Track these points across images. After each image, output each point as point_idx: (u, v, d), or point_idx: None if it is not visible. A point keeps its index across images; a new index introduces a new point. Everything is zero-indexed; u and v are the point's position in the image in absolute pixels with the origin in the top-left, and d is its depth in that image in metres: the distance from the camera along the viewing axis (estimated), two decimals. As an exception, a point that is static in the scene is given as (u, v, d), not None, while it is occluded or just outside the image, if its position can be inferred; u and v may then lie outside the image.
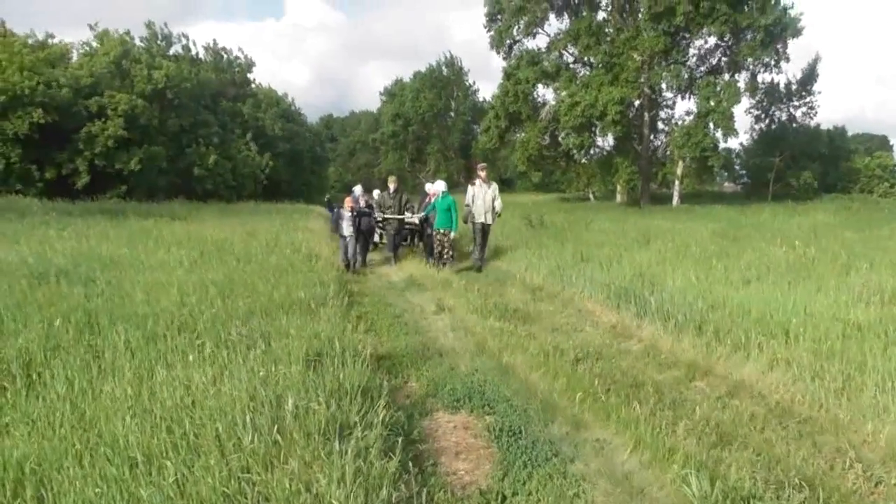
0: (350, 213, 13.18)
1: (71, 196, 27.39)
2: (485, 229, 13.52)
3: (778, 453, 4.54)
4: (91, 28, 36.64)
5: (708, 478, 3.85)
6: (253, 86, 50.41)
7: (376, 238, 16.13)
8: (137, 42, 38.38)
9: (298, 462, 3.65)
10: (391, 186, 14.56)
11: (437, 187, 13.73)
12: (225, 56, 48.77)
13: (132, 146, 32.17)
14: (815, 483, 4.03)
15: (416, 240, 16.13)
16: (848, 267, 10.64)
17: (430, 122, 66.06)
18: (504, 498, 3.97)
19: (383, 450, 4.00)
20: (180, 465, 3.54)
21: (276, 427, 3.94)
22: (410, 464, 4.06)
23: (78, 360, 5.19)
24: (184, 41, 42.71)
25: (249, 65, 50.06)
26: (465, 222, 13.58)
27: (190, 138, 37.04)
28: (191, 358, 5.23)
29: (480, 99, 68.04)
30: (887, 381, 5.23)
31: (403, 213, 14.58)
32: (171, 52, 40.87)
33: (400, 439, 4.27)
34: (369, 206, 14.13)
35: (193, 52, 43.93)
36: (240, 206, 29.87)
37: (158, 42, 40.10)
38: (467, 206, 13.40)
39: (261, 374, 4.87)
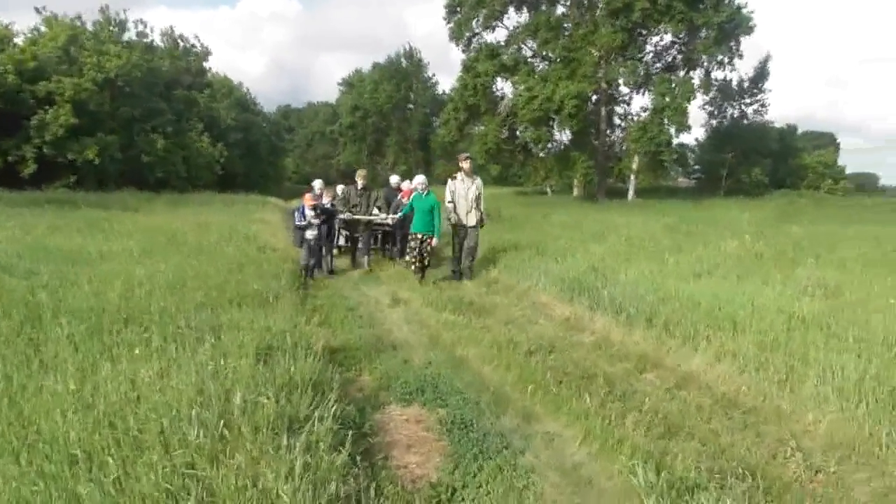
0: (314, 213, 11.13)
1: (16, 185, 26.48)
2: (467, 233, 11.32)
3: (723, 443, 4.65)
4: (38, 11, 35.45)
5: (654, 468, 3.91)
6: (209, 75, 49.48)
7: (340, 241, 13.75)
8: (89, 27, 37.26)
9: (246, 457, 3.59)
10: (359, 182, 12.67)
11: (416, 182, 11.51)
12: (182, 44, 47.75)
13: (82, 135, 31.22)
14: (758, 472, 4.13)
15: (389, 244, 13.92)
16: (794, 261, 10.92)
17: (389, 114, 65.71)
18: (454, 490, 3.98)
19: (333, 444, 3.96)
20: (122, 462, 3.46)
21: (222, 422, 3.87)
22: (360, 457, 4.05)
23: (17, 355, 5.03)
24: (140, 27, 41.65)
25: (206, 53, 49.09)
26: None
27: (142, 127, 36.16)
28: (137, 352, 5.11)
29: (440, 91, 67.94)
30: (828, 373, 5.38)
31: (372, 213, 12.68)
32: (126, 38, 39.77)
33: (350, 433, 4.24)
34: (332, 204, 12.48)
35: (149, 39, 42.90)
36: (193, 197, 29.27)
37: (111, 28, 38.97)
38: (450, 203, 11.31)
39: (209, 367, 4.78)
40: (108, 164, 32.63)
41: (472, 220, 11.28)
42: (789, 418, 5.05)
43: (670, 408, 5.28)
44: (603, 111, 36.46)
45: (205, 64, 49.29)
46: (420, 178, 11.46)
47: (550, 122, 35.20)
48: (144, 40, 41.37)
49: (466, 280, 11.09)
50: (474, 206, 11.26)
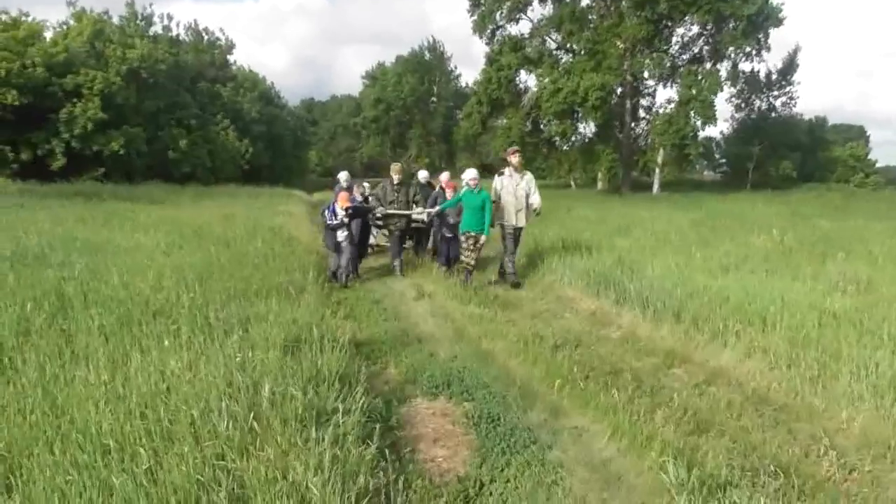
0: (345, 212, 10.01)
1: (46, 178, 26.89)
2: (516, 234, 10.26)
3: (754, 440, 4.58)
4: (69, 5, 35.96)
5: (685, 465, 3.86)
6: (233, 68, 49.83)
7: (372, 240, 12.96)
8: (115, 21, 37.74)
9: (275, 449, 3.61)
10: (394, 177, 11.41)
11: (467, 176, 10.39)
12: (206, 37, 48.13)
13: (109, 127, 31.61)
14: (790, 470, 4.07)
15: (423, 241, 12.64)
16: (824, 256, 10.74)
17: (412, 107, 65.80)
18: (482, 485, 3.96)
19: (361, 437, 3.97)
20: (153, 453, 3.49)
21: (252, 414, 3.89)
22: (388, 451, 4.04)
23: (50, 345, 5.10)
24: (166, 21, 42.08)
25: (230, 46, 49.48)
26: (492, 225, 10.28)
27: (167, 120, 36.52)
28: (166, 343, 5.15)
29: (463, 84, 67.81)
30: (861, 370, 5.28)
31: (411, 209, 11.51)
32: (151, 31, 40.18)
33: (378, 426, 4.26)
34: (366, 199, 11.73)
35: (175, 33, 43.28)
36: (219, 190, 29.54)
37: (137, 21, 39.41)
38: (494, 202, 10.16)
39: (238, 359, 4.81)
40: (135, 157, 33.01)
41: (521, 220, 10.19)
42: (822, 416, 4.96)
43: (700, 404, 5.23)
44: (628, 104, 36.17)
45: (229, 57, 49.70)
46: (471, 173, 10.32)
47: (574, 115, 34.99)
48: (170, 34, 41.78)
49: (510, 281, 10.18)
50: (524, 204, 10.18)
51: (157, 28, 41.20)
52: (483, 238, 9.97)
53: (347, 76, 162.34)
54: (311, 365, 4.89)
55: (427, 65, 66.63)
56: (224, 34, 49.95)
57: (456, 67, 69.43)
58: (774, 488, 3.82)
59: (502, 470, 4.11)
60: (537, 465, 4.17)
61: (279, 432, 3.77)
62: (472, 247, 9.97)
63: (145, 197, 22.34)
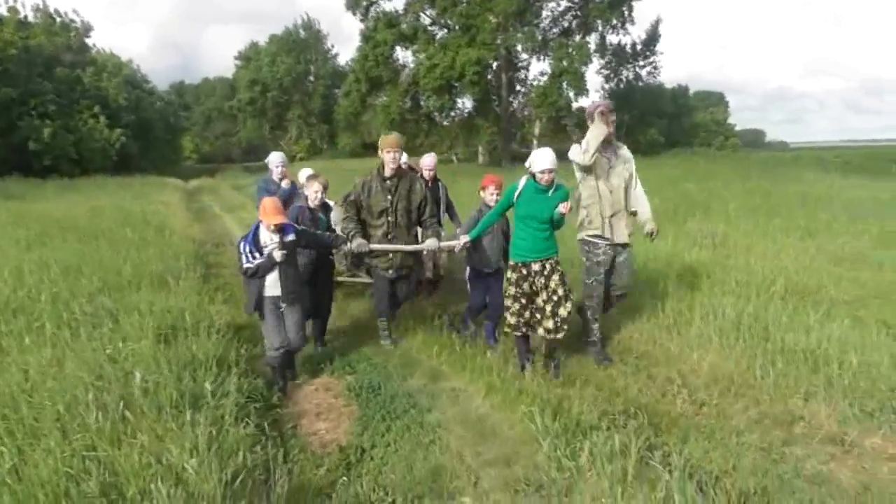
0: (280, 242, 4.96)
1: None
2: (614, 260, 5.60)
3: (617, 387, 4.95)
4: None
5: (551, 414, 4.13)
6: (93, 52, 46.75)
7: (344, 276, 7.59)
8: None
9: (149, 435, 3.59)
10: (389, 163, 5.80)
11: (540, 161, 4.96)
12: (58, 19, 44.85)
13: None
14: (649, 410, 4.43)
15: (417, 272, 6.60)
16: (686, 216, 11.53)
17: (290, 88, 64.09)
18: (363, 451, 4.08)
19: (239, 417, 3.99)
20: (17, 451, 3.38)
21: (123, 403, 3.83)
22: (269, 428, 4.11)
23: None
24: (10, 2, 38.81)
25: (87, 28, 46.33)
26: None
27: (23, 110, 33.91)
28: (27, 341, 4.94)
29: (342, 63, 66.65)
30: (710, 315, 5.80)
31: (427, 232, 6.02)
32: (-7, 14, 36.99)
33: (257, 405, 4.30)
34: (324, 209, 6.19)
35: (21, 15, 40.02)
36: (86, 182, 27.78)
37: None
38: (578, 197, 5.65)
39: (108, 351, 4.69)
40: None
41: (622, 231, 5.55)
42: (677, 359, 5.41)
43: (569, 360, 5.54)
44: (504, 78, 36.86)
45: (87, 40, 46.55)
46: (546, 156, 4.98)
47: (453, 91, 35.35)
48: (17, 16, 38.69)
49: (599, 355, 5.62)
50: (624, 203, 5.58)
51: (1, 10, 38.02)
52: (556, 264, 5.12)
53: (218, 57, 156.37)
54: (186, 351, 4.84)
55: (303, 43, 64.96)
56: (78, 15, 46.55)
57: (333, 46, 67.95)
58: (633, 427, 4.14)
59: (383, 435, 4.25)
60: (416, 427, 4.34)
61: (153, 419, 3.74)
62: (523, 294, 5.12)
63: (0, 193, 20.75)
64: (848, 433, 4.05)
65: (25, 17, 40.48)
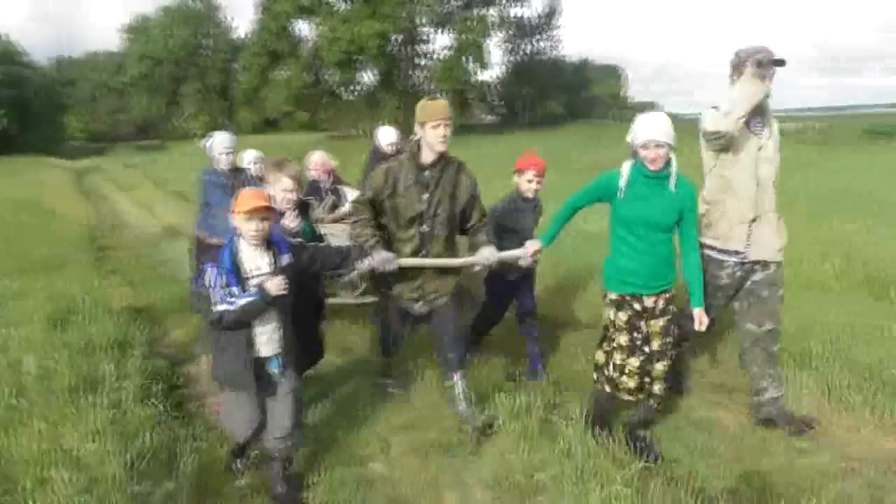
0: (272, 267, 3.08)
1: None
2: (758, 284, 3.83)
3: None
4: None
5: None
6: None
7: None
8: None
9: (45, 422, 3.47)
10: (436, 140, 3.72)
11: (645, 128, 3.40)
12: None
13: None
14: (552, 370, 4.74)
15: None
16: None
17: (185, 62, 61.36)
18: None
19: (140, 398, 3.91)
20: None
21: (14, 391, 3.69)
22: (174, 409, 4.05)
23: None
24: None
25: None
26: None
27: None
28: None
29: (240, 35, 64.21)
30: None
31: (481, 238, 4.01)
32: None
33: (160, 386, 4.21)
34: (303, 206, 3.94)
35: None
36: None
37: None
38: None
39: (-6, 340, 4.49)
40: None
41: (769, 242, 3.80)
42: (578, 321, 5.77)
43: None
44: (407, 51, 36.67)
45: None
46: (657, 122, 3.42)
47: (355, 65, 34.89)
48: None
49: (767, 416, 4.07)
50: (774, 199, 3.83)
51: None
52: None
53: (102, 30, 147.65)
54: (81, 335, 4.68)
55: (197, 15, 62.23)
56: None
57: (233, 18, 65.23)
58: (541, 388, 4.33)
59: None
60: (328, 401, 4.35)
61: (47, 405, 3.62)
62: (635, 342, 3.53)
63: None
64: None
65: None
